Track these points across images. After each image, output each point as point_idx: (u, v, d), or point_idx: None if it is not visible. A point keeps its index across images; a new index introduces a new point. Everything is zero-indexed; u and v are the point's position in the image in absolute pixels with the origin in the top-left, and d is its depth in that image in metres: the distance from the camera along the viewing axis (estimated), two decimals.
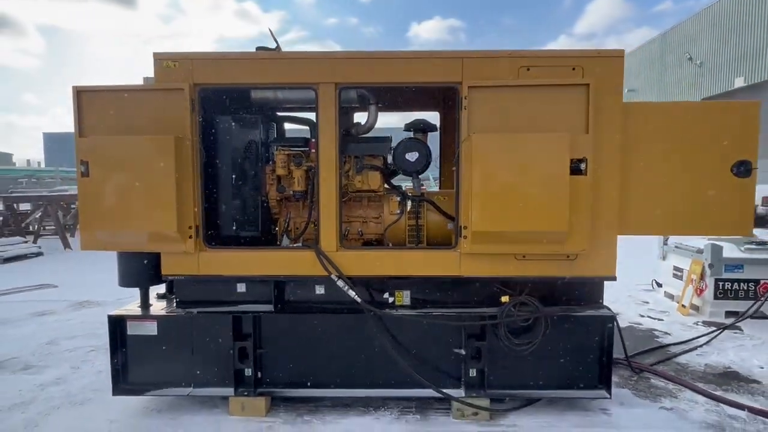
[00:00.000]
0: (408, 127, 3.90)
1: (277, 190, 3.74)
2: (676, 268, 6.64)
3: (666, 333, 5.39)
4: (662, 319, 5.91)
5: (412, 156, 3.62)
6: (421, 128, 3.85)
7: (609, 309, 3.55)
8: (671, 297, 6.75)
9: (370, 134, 3.90)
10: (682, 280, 6.39)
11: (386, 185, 3.87)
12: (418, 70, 3.33)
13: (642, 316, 6.10)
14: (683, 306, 6.16)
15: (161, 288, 3.90)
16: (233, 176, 3.63)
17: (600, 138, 3.23)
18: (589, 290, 3.60)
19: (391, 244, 3.83)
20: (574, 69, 3.28)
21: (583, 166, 3.16)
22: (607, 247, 3.36)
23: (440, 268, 3.42)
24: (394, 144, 3.73)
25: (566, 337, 3.52)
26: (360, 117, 3.97)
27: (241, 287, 3.62)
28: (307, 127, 4.18)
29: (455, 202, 3.41)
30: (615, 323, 3.50)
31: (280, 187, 3.74)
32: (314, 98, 3.37)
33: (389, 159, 3.78)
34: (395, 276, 3.47)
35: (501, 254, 3.35)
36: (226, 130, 3.62)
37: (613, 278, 3.43)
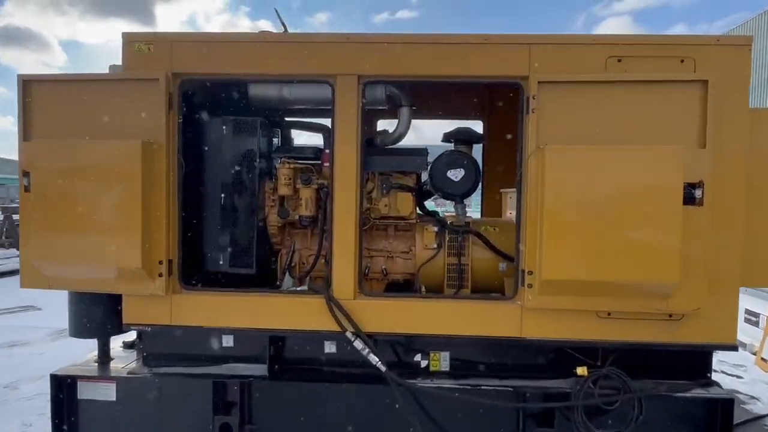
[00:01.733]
0: (448, 137, 3.11)
1: (278, 214, 2.96)
2: (749, 312, 5.62)
3: (753, 397, 4.39)
4: (741, 377, 4.93)
5: (456, 174, 2.79)
6: (464, 139, 3.03)
7: (720, 386, 2.62)
8: (743, 345, 5.72)
9: (398, 145, 3.07)
10: (758, 327, 5.38)
11: (419, 211, 3.06)
12: (469, 60, 2.53)
13: (714, 370, 5.08)
14: (763, 359, 5.13)
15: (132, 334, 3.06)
16: (222, 195, 2.85)
17: (721, 155, 2.35)
18: (694, 360, 2.69)
19: (424, 288, 2.97)
20: (682, 61, 2.47)
21: (698, 192, 2.31)
22: (725, 303, 2.48)
23: (494, 327, 2.54)
24: (431, 158, 2.89)
25: (664, 423, 2.60)
26: (385, 125, 3.17)
27: (228, 340, 2.80)
28: (320, 135, 3.36)
29: (516, 238, 2.54)
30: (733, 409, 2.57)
31: (283, 210, 2.95)
32: (330, 96, 2.56)
33: (424, 177, 2.93)
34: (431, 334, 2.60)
35: (578, 311, 2.46)
36: (214, 136, 2.86)
37: (734, 347, 2.51)
